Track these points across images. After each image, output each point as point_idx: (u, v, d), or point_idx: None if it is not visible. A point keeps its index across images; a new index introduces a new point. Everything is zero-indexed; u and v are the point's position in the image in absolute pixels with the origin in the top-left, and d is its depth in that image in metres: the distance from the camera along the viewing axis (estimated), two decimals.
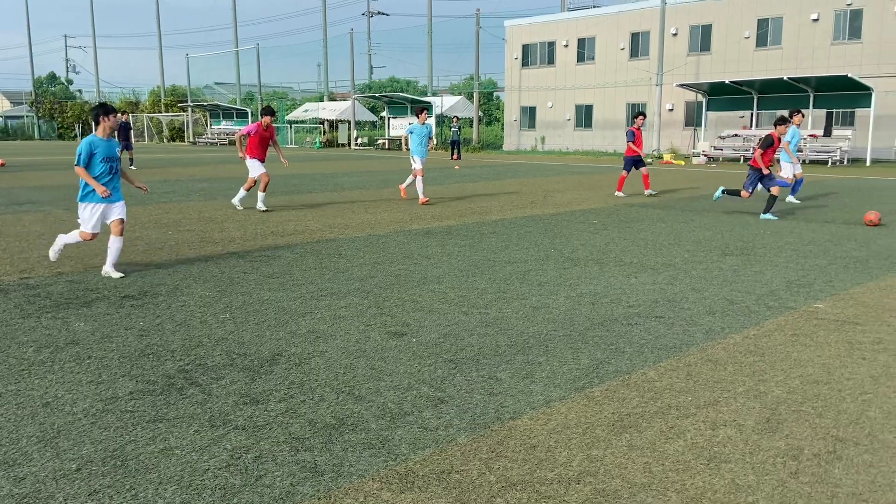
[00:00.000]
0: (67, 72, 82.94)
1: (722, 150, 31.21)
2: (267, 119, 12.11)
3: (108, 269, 7.16)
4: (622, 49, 38.55)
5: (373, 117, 55.09)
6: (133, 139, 25.39)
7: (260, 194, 12.30)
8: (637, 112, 15.61)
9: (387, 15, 69.03)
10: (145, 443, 3.43)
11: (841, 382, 4.30)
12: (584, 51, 40.26)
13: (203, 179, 20.22)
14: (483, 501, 2.94)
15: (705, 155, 30.79)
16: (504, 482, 3.08)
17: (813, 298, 6.34)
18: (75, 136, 68.02)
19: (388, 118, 47.09)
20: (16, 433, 3.53)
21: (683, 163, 29.71)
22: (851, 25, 30.91)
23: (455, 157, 32.72)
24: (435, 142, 14.14)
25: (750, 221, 11.36)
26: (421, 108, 13.96)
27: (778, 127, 11.87)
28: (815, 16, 31.70)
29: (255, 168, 12.11)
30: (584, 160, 32.35)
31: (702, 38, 35.70)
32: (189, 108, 59.59)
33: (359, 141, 48.93)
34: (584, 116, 40.72)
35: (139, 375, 4.35)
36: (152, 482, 3.06)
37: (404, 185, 14.65)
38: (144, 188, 7.87)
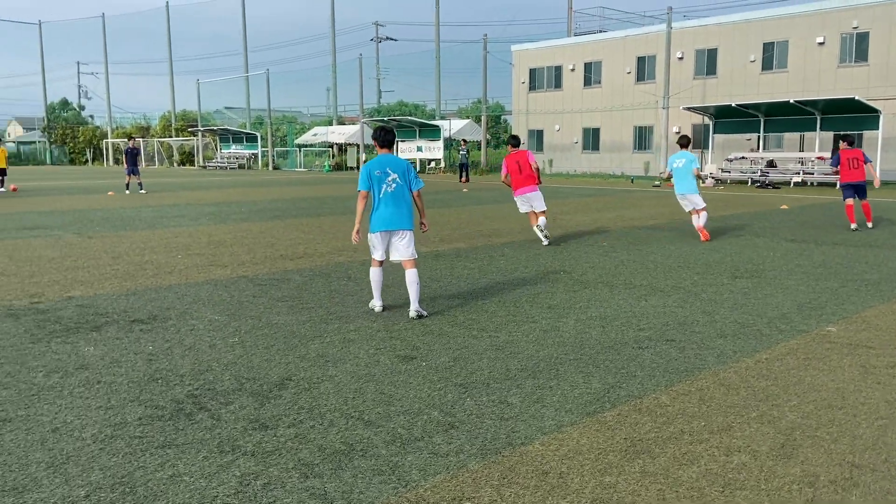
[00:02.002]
0: (80, 98, 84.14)
1: (729, 172, 31.20)
2: (511, 147, 11.41)
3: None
4: (628, 73, 38.76)
5: None
6: (141, 164, 25.59)
7: (542, 220, 11.28)
8: (842, 134, 14.12)
9: (395, 40, 69.71)
10: (154, 469, 3.41)
11: (856, 407, 4.24)
12: (591, 75, 40.51)
13: (213, 203, 20.34)
14: None
15: (713, 177, 30.80)
16: None
17: (825, 321, 6.28)
18: (86, 160, 68.74)
19: (397, 142, 47.43)
20: (25, 459, 3.51)
21: None
22: (858, 48, 31.01)
23: (463, 179, 32.84)
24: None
25: (758, 244, 11.31)
26: (686, 139, 12.40)
27: None
28: (820, 39, 31.82)
29: (523, 205, 11.34)
30: (591, 183, 32.37)
31: (707, 62, 35.89)
32: (199, 133, 60.19)
33: None
34: (592, 139, 40.87)
35: (148, 400, 4.34)
36: None
37: (704, 224, 12.32)
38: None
